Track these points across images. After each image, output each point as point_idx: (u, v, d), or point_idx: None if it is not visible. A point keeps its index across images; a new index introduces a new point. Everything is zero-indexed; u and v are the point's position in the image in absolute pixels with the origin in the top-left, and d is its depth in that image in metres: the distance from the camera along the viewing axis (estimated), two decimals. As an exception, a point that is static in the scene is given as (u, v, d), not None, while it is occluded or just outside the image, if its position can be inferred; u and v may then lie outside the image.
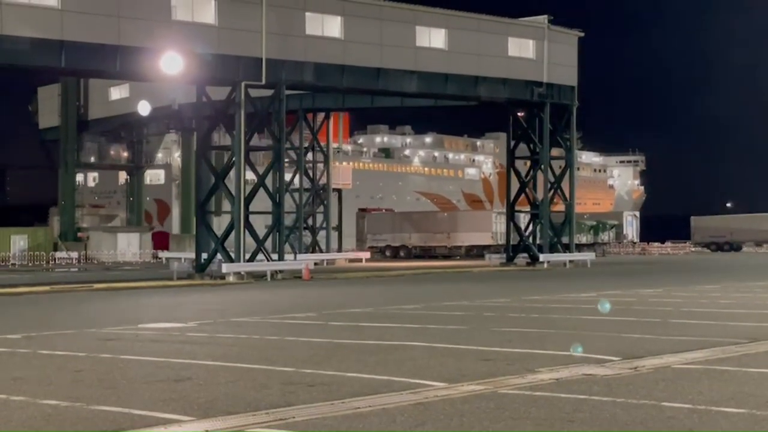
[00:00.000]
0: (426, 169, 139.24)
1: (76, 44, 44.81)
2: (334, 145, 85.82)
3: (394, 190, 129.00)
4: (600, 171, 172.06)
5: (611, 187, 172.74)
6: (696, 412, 12.32)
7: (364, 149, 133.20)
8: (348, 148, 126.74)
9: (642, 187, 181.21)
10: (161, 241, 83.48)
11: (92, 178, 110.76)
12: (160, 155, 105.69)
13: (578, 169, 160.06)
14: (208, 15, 48.79)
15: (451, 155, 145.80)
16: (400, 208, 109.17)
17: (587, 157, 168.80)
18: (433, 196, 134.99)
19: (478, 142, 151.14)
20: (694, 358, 17.36)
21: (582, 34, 65.89)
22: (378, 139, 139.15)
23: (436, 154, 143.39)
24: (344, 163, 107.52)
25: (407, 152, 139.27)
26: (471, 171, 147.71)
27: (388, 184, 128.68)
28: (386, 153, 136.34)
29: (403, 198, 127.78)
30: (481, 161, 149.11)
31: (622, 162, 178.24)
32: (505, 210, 70.42)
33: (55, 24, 44.11)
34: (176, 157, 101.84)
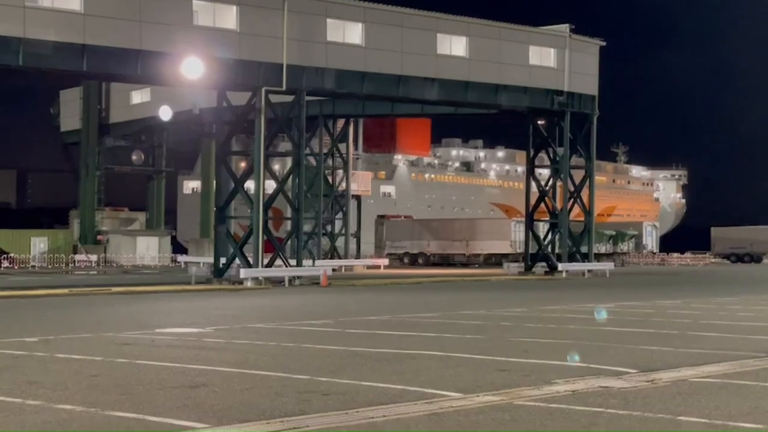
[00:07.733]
0: (499, 181, 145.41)
1: (98, 48, 45.06)
2: (353, 151, 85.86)
3: (470, 202, 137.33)
4: (647, 185, 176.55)
5: (657, 199, 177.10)
6: (712, 426, 12.24)
7: (449, 163, 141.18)
8: (435, 161, 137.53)
9: (684, 200, 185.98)
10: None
11: (191, 189, 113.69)
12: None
13: (628, 182, 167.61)
14: (229, 20, 48.93)
15: (519, 169, 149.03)
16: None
17: (636, 171, 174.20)
18: (506, 207, 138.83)
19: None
20: (711, 371, 17.25)
21: (603, 44, 65.64)
22: (453, 152, 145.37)
23: (508, 167, 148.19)
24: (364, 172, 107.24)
25: (483, 165, 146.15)
26: None
27: (463, 196, 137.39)
28: (468, 167, 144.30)
29: (476, 209, 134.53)
30: (546, 174, 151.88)
31: (665, 176, 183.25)
32: (524, 219, 70.34)
33: (77, 28, 44.34)
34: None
